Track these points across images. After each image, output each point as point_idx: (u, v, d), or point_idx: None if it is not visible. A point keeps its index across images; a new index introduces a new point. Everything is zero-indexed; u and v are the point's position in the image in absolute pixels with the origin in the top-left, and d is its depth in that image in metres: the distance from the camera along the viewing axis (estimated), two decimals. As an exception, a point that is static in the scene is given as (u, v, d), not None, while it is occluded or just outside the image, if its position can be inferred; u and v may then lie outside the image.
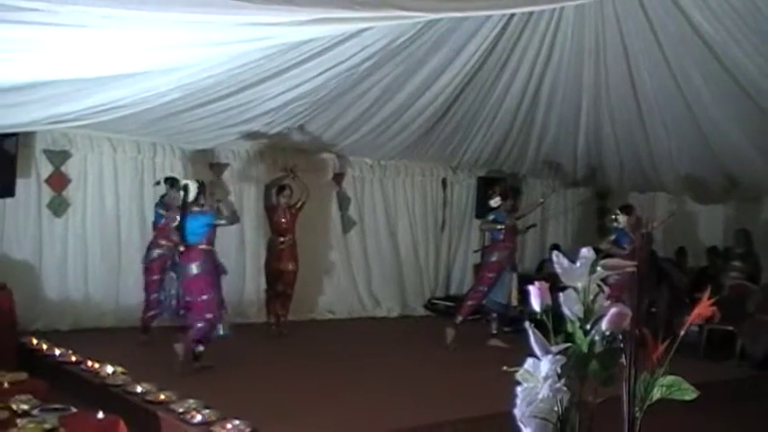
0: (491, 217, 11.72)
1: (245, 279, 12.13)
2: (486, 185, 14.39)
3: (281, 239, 11.30)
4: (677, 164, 13.42)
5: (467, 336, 11.31)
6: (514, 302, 11.42)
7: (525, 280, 13.59)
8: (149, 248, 10.28)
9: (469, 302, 11.47)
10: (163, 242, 9.97)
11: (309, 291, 12.67)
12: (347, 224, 13.57)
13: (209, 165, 12.05)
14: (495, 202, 11.73)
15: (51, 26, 4.77)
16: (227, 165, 12.20)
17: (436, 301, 14.32)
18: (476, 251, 14.01)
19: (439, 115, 12.22)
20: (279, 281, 11.33)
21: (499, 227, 11.55)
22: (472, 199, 14.87)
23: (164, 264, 9.82)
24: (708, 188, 14.19)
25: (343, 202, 13.55)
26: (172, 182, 10.06)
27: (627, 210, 11.48)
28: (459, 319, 11.36)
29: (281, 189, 11.30)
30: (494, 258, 11.52)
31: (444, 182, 14.70)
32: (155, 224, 10.38)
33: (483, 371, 9.26)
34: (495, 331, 11.44)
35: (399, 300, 14.06)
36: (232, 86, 9.19)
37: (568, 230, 16.08)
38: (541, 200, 12.86)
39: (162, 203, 10.25)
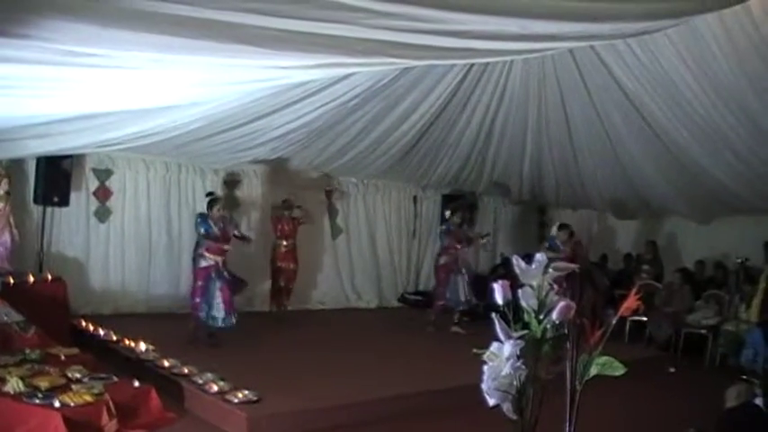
0: (442, 226, 11.83)
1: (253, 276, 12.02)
2: (448, 202, 14.47)
3: (284, 243, 11.28)
4: (601, 187, 13.49)
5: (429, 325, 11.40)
6: (468, 298, 11.43)
7: (481, 280, 13.74)
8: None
9: (439, 303, 11.50)
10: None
11: (305, 286, 12.59)
12: (336, 232, 13.51)
13: (223, 181, 11.99)
14: (447, 214, 11.84)
15: (104, 68, 4.75)
16: (238, 181, 12.15)
17: (407, 295, 14.29)
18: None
19: (412, 144, 12.23)
20: (281, 277, 11.30)
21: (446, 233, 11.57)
22: (437, 212, 14.85)
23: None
24: (625, 207, 14.30)
25: (333, 213, 13.51)
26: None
27: (563, 227, 11.62)
28: (433, 317, 11.42)
29: (286, 203, 11.33)
30: (442, 262, 11.56)
31: (415, 198, 14.66)
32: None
33: (449, 352, 9.42)
34: (456, 320, 11.46)
35: (377, 294, 14.01)
36: (244, 118, 9.16)
37: (515, 239, 16.10)
38: (483, 240, 12.83)
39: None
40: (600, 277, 13.45)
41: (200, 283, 9.07)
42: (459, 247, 11.55)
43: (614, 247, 15.13)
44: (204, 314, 8.99)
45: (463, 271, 11.65)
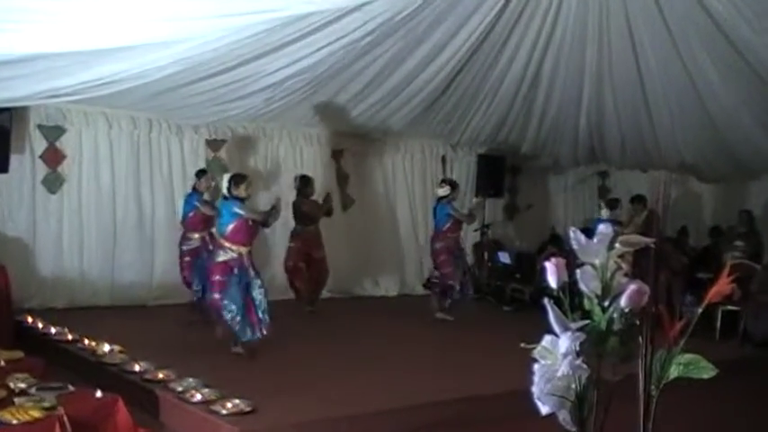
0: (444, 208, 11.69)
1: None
2: (485, 164, 14.44)
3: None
4: (680, 142, 13.37)
5: (466, 315, 11.40)
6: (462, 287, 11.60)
7: (527, 259, 13.76)
8: None
9: (449, 282, 11.62)
10: None
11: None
12: (346, 202, 13.53)
13: (205, 141, 12.00)
14: (443, 191, 11.73)
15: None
16: (224, 141, 12.14)
17: (435, 280, 14.27)
18: (475, 230, 14.00)
19: (439, 92, 12.19)
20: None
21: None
22: (472, 177, 14.85)
23: None
24: (711, 167, 14.17)
25: (342, 179, 13.51)
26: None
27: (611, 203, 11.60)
28: (443, 304, 11.61)
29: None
30: (437, 246, 11.65)
31: (444, 159, 14.66)
32: None
33: (488, 349, 9.44)
34: (446, 306, 11.66)
35: (398, 279, 14.07)
36: (231, 61, 9.13)
37: (569, 210, 16.07)
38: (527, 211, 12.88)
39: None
40: (674, 255, 13.38)
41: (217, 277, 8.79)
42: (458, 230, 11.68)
43: (698, 217, 15.03)
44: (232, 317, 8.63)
45: (461, 255, 11.76)
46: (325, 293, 12.90)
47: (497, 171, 14.76)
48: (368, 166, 13.90)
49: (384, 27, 9.42)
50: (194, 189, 10.39)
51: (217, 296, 8.63)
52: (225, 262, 8.72)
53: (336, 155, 13.39)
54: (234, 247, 8.75)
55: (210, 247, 9.59)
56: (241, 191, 8.83)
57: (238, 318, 8.53)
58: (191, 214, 10.26)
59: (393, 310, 12.73)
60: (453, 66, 11.38)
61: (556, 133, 14.16)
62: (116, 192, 11.32)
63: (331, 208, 11.81)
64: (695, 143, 13.24)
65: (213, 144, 12.08)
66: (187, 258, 10.34)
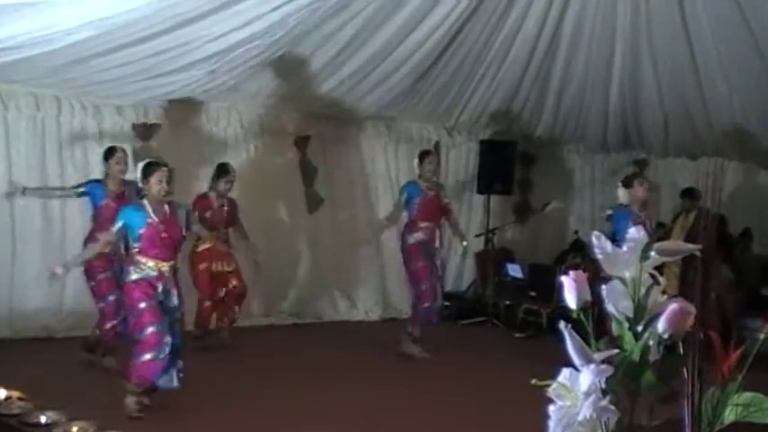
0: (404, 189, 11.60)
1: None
2: (490, 152, 14.44)
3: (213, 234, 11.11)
4: (741, 122, 13.42)
5: (468, 345, 11.41)
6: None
7: (543, 272, 13.79)
8: None
9: (425, 306, 11.33)
10: None
11: (267, 289, 12.63)
12: (314, 202, 13.50)
13: (132, 126, 11.91)
14: (415, 163, 11.66)
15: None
16: (157, 125, 12.03)
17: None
18: (477, 235, 14.00)
19: (430, 61, 12.28)
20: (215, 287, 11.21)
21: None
22: (473, 168, 14.92)
23: None
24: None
25: (309, 173, 13.47)
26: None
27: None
28: (415, 331, 11.40)
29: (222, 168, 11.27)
30: (411, 241, 11.39)
31: (438, 146, 14.64)
32: None
33: (489, 386, 9.48)
34: (418, 335, 11.39)
35: (380, 299, 14.14)
36: (162, 24, 9.16)
37: (596, 209, 16.12)
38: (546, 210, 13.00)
39: None
40: (725, 274, 13.38)
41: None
42: (432, 222, 11.39)
43: (764, 218, 15.09)
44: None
45: (438, 256, 11.57)
46: (286, 317, 12.94)
47: (505, 161, 14.77)
48: (341, 157, 13.97)
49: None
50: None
51: (151, 330, 8.15)
52: (139, 281, 8.29)
53: (300, 142, 13.34)
54: (150, 263, 8.34)
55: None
56: (152, 185, 8.32)
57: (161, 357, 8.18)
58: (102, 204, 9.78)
59: (373, 338, 12.72)
60: (449, 27, 11.47)
61: (579, 111, 14.26)
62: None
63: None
64: (760, 120, 13.27)
65: (142, 129, 11.97)
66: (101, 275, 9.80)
